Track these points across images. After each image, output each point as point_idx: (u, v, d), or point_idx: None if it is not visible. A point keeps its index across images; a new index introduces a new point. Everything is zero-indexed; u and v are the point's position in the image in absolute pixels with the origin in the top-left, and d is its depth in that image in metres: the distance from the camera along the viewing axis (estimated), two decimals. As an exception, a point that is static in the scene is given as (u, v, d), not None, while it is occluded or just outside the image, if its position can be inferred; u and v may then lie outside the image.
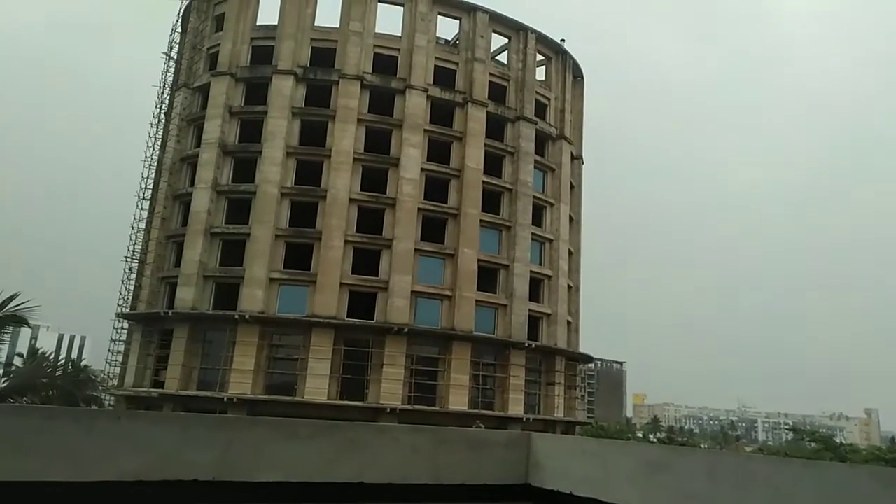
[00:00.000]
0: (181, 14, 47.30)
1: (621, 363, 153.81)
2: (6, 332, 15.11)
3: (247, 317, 37.30)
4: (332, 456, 3.63)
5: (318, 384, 36.95)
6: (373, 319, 39.21)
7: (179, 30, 47.60)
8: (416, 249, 40.75)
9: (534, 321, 44.11)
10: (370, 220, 40.81)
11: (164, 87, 46.29)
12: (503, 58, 49.09)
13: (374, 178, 41.52)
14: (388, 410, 36.62)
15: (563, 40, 51.26)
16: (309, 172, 41.05)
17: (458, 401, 38.94)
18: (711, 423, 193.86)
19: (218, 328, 38.57)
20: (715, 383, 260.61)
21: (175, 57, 46.98)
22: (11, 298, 13.92)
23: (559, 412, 44.11)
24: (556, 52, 50.97)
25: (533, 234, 45.02)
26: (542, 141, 47.86)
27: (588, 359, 53.70)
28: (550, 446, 4.14)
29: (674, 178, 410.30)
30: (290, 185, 40.95)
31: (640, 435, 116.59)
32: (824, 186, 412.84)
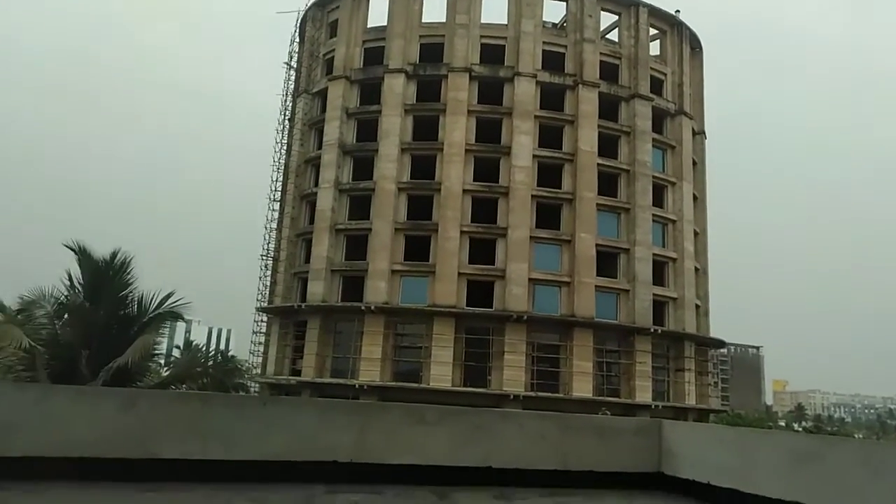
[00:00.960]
0: (298, 25, 49.90)
1: (758, 348, 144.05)
2: (165, 327, 16.84)
3: (372, 307, 38.88)
4: (460, 441, 3.72)
5: (441, 371, 37.83)
6: (491, 307, 39.46)
7: (297, 40, 50.24)
8: (531, 237, 40.44)
9: (659, 306, 42.36)
10: (484, 209, 41.02)
11: (286, 94, 49.20)
12: (614, 36, 47.26)
13: (487, 168, 41.64)
14: (512, 397, 36.73)
15: (677, 11, 48.49)
16: (423, 166, 41.94)
17: (582, 388, 38.31)
18: (866, 411, 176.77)
19: (346, 319, 40.55)
20: (870, 368, 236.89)
21: (295, 66, 49.68)
22: (169, 296, 15.50)
23: (690, 399, 42.11)
24: (670, 25, 48.31)
25: (654, 215, 43.15)
26: (659, 118, 45.66)
27: (720, 343, 50.74)
28: (684, 434, 3.98)
29: (812, 149, 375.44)
30: (405, 179, 42.07)
31: (782, 423, 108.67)
32: None
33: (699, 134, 49.84)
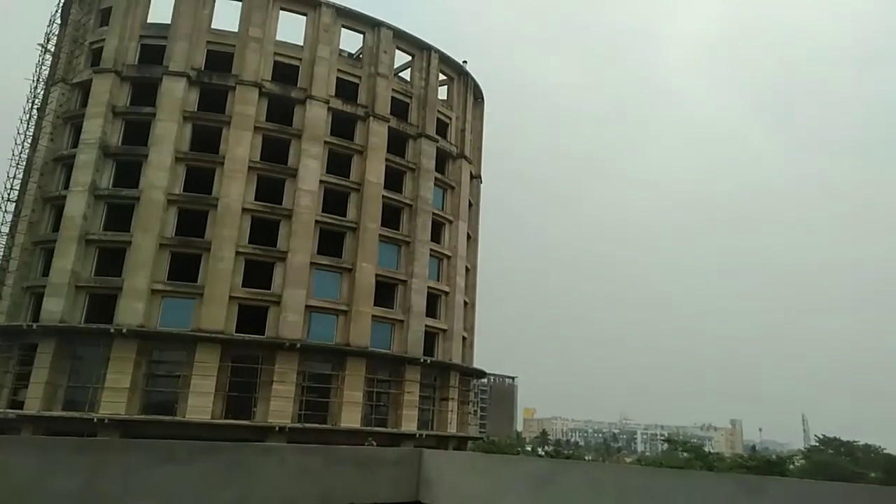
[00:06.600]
0: (61, 4, 43.92)
1: (513, 378, 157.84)
2: None
3: (124, 330, 34.81)
4: (214, 480, 3.42)
5: (201, 402, 35.00)
6: (263, 334, 37.83)
7: (59, 21, 44.14)
8: (312, 263, 39.89)
9: (430, 337, 44.34)
10: (264, 231, 39.52)
11: (38, 81, 42.67)
12: (406, 75, 49.51)
13: (270, 188, 40.32)
14: (278, 429, 35.33)
15: (465, 62, 52.55)
16: (199, 179, 39.16)
17: (350, 418, 38.26)
18: (596, 435, 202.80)
19: (90, 343, 35.60)
20: (600, 397, 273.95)
21: (52, 49, 43.48)
22: None
23: (452, 428, 44.42)
24: (458, 73, 52.09)
25: (431, 250, 45.41)
26: (442, 159, 48.58)
27: (481, 374, 54.61)
28: (441, 463, 4.14)
29: (569, 200, 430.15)
30: (178, 191, 38.86)
31: (528, 448, 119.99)
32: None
33: (476, 178, 54.02)
